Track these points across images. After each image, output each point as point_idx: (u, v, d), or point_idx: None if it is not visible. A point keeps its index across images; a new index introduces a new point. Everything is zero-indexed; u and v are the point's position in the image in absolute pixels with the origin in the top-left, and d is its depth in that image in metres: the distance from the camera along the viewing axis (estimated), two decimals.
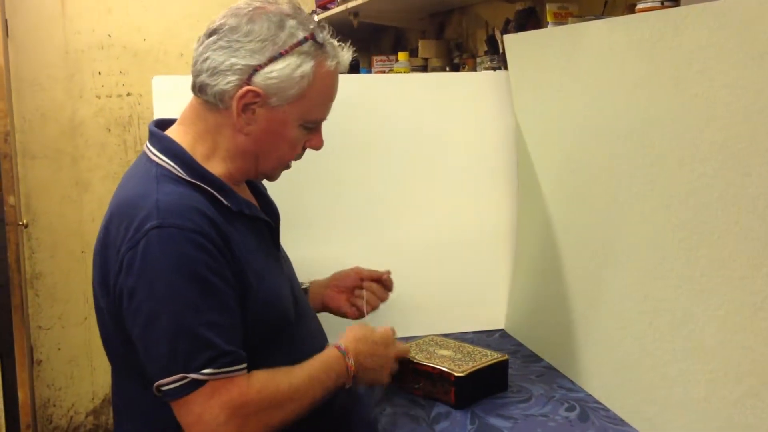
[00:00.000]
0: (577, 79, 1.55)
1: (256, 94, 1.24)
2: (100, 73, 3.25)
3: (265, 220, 1.36)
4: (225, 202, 1.27)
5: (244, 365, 1.18)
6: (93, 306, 3.17)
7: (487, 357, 1.53)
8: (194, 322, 1.14)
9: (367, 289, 1.60)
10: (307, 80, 1.25)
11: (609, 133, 1.45)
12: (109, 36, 3.25)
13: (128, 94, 3.30)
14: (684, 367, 1.24)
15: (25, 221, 3.00)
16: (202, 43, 1.27)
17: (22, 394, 2.87)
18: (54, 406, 3.27)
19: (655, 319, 1.32)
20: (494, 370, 1.53)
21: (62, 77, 3.20)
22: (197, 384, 1.13)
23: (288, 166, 1.38)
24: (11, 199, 2.83)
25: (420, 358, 1.51)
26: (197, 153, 1.28)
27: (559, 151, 1.68)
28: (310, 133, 1.34)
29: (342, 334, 1.39)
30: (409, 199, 1.91)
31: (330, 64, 1.28)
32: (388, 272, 1.63)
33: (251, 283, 1.24)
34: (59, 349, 3.26)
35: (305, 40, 1.25)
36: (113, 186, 3.41)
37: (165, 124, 1.35)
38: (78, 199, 3.25)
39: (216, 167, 1.29)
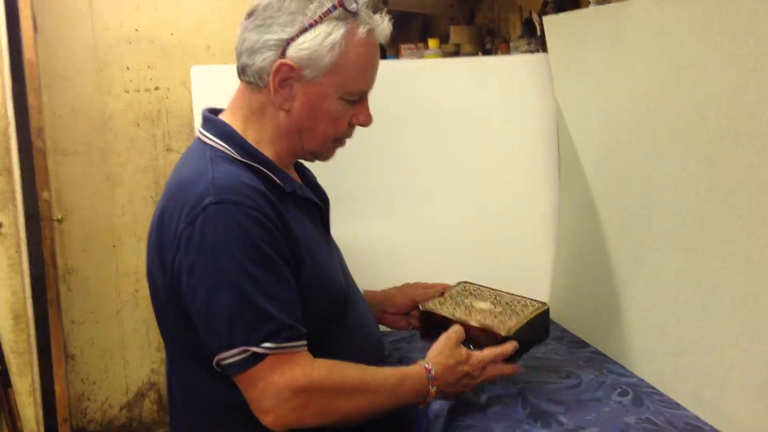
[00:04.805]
0: (623, 59, 1.53)
1: (291, 68, 1.23)
2: (128, 68, 3.25)
3: (316, 203, 1.36)
4: (278, 182, 1.27)
5: (305, 342, 1.18)
6: (124, 300, 3.19)
7: (528, 308, 1.48)
8: (255, 294, 1.14)
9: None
10: (339, 48, 1.23)
11: (657, 113, 1.43)
12: (137, 30, 3.24)
13: (156, 89, 3.29)
14: (744, 349, 1.22)
15: (59, 216, 3.01)
16: (242, 25, 1.27)
17: (59, 389, 2.89)
18: (88, 400, 3.28)
19: (711, 301, 1.30)
20: (537, 322, 1.47)
21: (91, 72, 3.20)
22: (258, 358, 1.13)
23: (340, 143, 1.36)
24: (45, 195, 2.84)
25: (460, 315, 1.45)
26: (248, 137, 1.29)
27: (603, 133, 1.66)
28: (355, 108, 1.31)
29: (432, 352, 1.33)
30: (449, 182, 1.90)
31: (362, 31, 1.26)
32: (444, 287, 1.58)
33: (306, 262, 1.23)
34: (93, 343, 3.26)
35: (334, 8, 1.23)
36: (143, 180, 3.43)
37: (216, 112, 1.35)
38: (109, 193, 3.25)
39: (266, 149, 1.29)
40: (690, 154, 1.34)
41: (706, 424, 1.28)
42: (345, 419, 1.20)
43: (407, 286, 1.62)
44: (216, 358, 1.16)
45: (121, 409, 3.33)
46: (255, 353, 1.13)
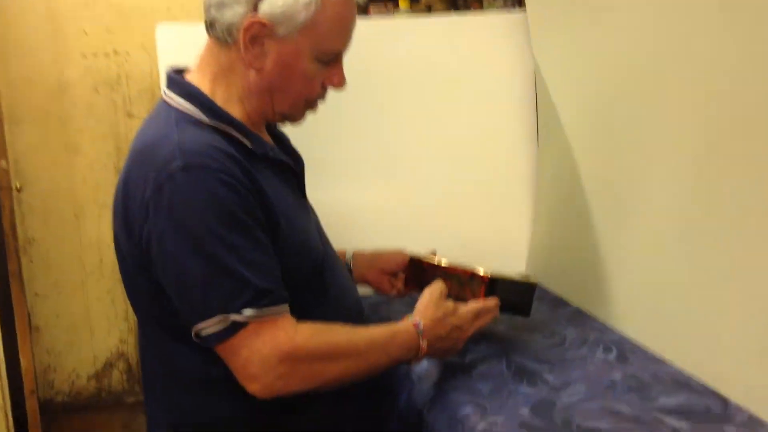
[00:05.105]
0: (606, 14, 1.51)
1: (263, 25, 1.17)
2: (85, 33, 3.14)
3: (289, 166, 1.32)
4: (248, 145, 1.22)
5: (287, 306, 1.15)
6: (89, 272, 3.11)
7: (517, 275, 1.49)
8: (231, 261, 1.10)
9: None
10: (315, 5, 1.18)
11: (644, 68, 1.41)
12: None
13: (115, 53, 3.19)
14: (735, 303, 1.22)
15: (18, 185, 2.92)
16: None
17: (25, 361, 2.83)
18: (55, 371, 3.23)
19: (701, 258, 1.30)
20: (521, 289, 1.47)
21: (46, 37, 3.09)
22: (239, 326, 1.10)
23: (313, 106, 1.31)
24: (3, 163, 2.75)
25: (445, 263, 1.47)
26: (217, 97, 1.23)
27: (584, 90, 1.64)
28: (328, 69, 1.26)
29: (419, 306, 1.31)
30: (424, 145, 1.88)
31: None
32: (434, 252, 1.57)
33: (281, 225, 1.20)
34: (57, 315, 3.19)
35: None
36: (104, 148, 3.33)
37: (182, 71, 1.29)
38: (68, 162, 3.16)
39: (235, 110, 1.24)
40: (683, 109, 1.32)
41: (692, 377, 1.29)
42: (335, 382, 1.18)
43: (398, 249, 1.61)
44: (194, 329, 1.12)
45: (89, 379, 3.28)
46: (235, 321, 1.10)
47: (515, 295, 1.46)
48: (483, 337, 1.43)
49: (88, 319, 3.24)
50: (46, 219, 3.15)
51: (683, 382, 1.28)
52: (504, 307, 1.40)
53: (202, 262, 1.09)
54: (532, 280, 1.50)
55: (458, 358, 1.43)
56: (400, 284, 1.58)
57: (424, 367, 1.40)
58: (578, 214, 1.66)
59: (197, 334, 1.12)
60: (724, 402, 1.20)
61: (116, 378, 3.28)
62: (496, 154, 1.90)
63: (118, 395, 3.27)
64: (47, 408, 3.16)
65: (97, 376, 3.29)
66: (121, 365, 3.28)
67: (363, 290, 1.59)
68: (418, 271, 1.53)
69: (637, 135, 1.45)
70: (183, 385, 1.23)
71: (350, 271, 1.59)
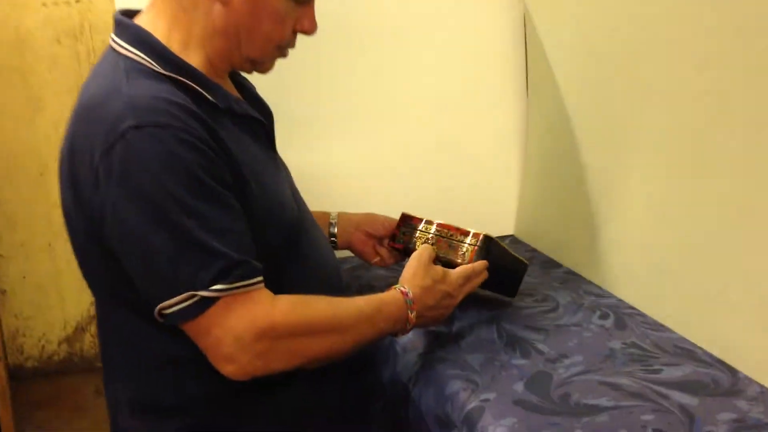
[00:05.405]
0: None
1: None
2: None
3: (257, 119, 1.19)
4: (210, 97, 1.08)
5: (261, 278, 1.03)
6: (57, 232, 2.98)
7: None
8: (196, 230, 0.97)
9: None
10: None
11: (642, 12, 1.29)
12: None
13: (77, 1, 3.03)
14: (740, 266, 1.13)
15: None
16: None
17: None
18: (24, 336, 3.12)
19: (703, 216, 1.20)
20: (516, 264, 1.40)
21: None
22: (208, 302, 0.98)
23: (281, 52, 1.18)
24: None
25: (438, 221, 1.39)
26: (173, 42, 1.08)
27: (577, 35, 1.53)
28: (300, 10, 1.13)
29: (407, 273, 1.22)
30: (406, 97, 1.75)
31: None
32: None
33: (251, 186, 1.07)
34: (24, 277, 3.08)
35: None
36: (69, 102, 3.15)
37: (133, 14, 1.15)
38: (32, 117, 3.01)
39: (194, 57, 1.10)
40: (681, 56, 1.22)
41: (697, 346, 1.20)
42: (318, 359, 1.08)
43: None
44: (157, 308, 1.00)
45: (60, 344, 3.17)
46: (204, 297, 0.97)
47: (506, 267, 1.38)
48: (471, 301, 1.33)
49: (57, 281, 3.11)
50: (11, 178, 3.01)
51: (687, 352, 1.19)
52: (491, 279, 1.32)
53: (162, 234, 0.97)
54: (526, 261, 1.42)
55: (445, 326, 1.34)
56: (385, 252, 1.48)
57: (408, 336, 1.30)
58: (570, 170, 1.56)
59: (160, 313, 1.00)
60: (733, 373, 1.11)
61: (88, 342, 3.17)
62: (483, 106, 1.78)
63: (90, 360, 3.16)
64: (17, 374, 3.05)
65: (68, 340, 3.18)
66: (94, 329, 3.17)
67: (341, 254, 1.50)
68: (406, 231, 1.43)
69: (634, 83, 1.34)
70: (147, 366, 1.11)
71: (334, 236, 1.48)
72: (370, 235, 1.50)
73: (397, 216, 1.47)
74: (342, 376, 1.24)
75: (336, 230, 1.49)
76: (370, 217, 1.51)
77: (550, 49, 1.62)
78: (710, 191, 1.18)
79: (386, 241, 1.48)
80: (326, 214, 1.50)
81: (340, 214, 1.50)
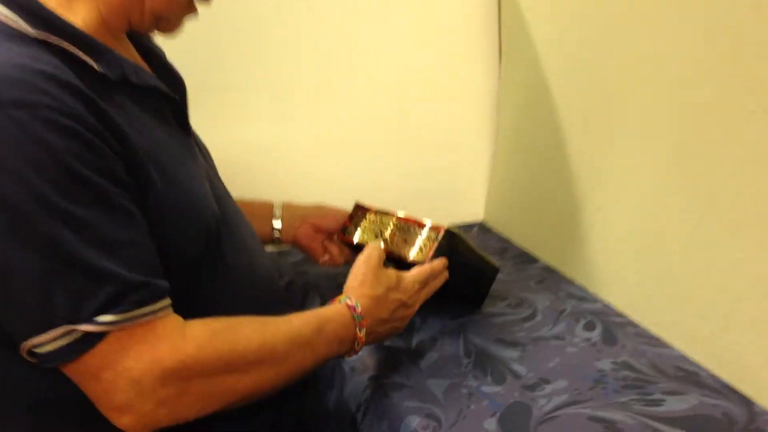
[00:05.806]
0: None
1: None
2: None
3: (164, 93, 0.95)
4: (96, 67, 0.84)
5: (167, 302, 0.81)
6: None
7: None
8: (75, 242, 0.74)
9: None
10: None
11: None
12: None
13: None
14: (755, 275, 0.93)
15: None
16: None
17: None
18: None
19: (708, 212, 1.00)
20: (484, 266, 1.19)
21: None
22: (94, 339, 0.75)
23: (192, 9, 0.95)
24: None
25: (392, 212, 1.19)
26: None
27: (556, 5, 1.31)
28: None
29: (353, 279, 1.01)
30: (360, 70, 1.52)
31: None
32: None
33: (153, 180, 0.83)
34: None
35: None
36: None
37: None
38: None
39: (81, 12, 0.86)
40: (682, 17, 1.00)
41: (701, 367, 1.01)
42: (244, 397, 0.86)
43: None
44: (25, 345, 0.77)
45: None
46: (87, 333, 0.75)
47: (471, 268, 1.17)
48: (433, 306, 1.12)
49: None
50: None
51: (690, 375, 0.99)
52: (452, 286, 1.11)
53: (29, 251, 0.73)
54: (496, 264, 1.21)
55: (402, 339, 1.13)
56: (335, 249, 1.27)
57: (356, 356, 1.09)
58: (548, 148, 1.35)
59: (30, 352, 0.77)
60: (748, 405, 0.92)
61: None
62: (449, 78, 1.56)
63: None
64: None
65: None
66: None
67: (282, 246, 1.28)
68: (359, 223, 1.23)
69: (620, 54, 1.14)
70: (30, 414, 0.88)
71: (279, 230, 1.27)
72: (319, 230, 1.29)
73: (350, 207, 1.26)
74: (275, 402, 1.02)
75: (280, 224, 1.27)
76: (320, 209, 1.30)
77: (526, 10, 1.40)
78: (705, 176, 0.98)
79: (336, 236, 1.27)
80: (268, 205, 1.28)
81: (285, 205, 1.29)
